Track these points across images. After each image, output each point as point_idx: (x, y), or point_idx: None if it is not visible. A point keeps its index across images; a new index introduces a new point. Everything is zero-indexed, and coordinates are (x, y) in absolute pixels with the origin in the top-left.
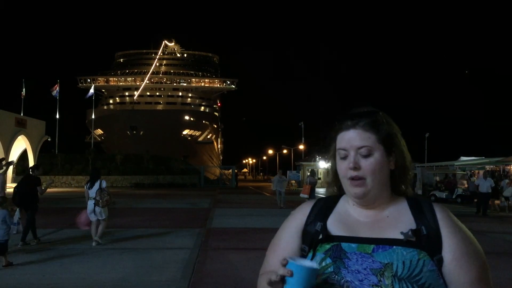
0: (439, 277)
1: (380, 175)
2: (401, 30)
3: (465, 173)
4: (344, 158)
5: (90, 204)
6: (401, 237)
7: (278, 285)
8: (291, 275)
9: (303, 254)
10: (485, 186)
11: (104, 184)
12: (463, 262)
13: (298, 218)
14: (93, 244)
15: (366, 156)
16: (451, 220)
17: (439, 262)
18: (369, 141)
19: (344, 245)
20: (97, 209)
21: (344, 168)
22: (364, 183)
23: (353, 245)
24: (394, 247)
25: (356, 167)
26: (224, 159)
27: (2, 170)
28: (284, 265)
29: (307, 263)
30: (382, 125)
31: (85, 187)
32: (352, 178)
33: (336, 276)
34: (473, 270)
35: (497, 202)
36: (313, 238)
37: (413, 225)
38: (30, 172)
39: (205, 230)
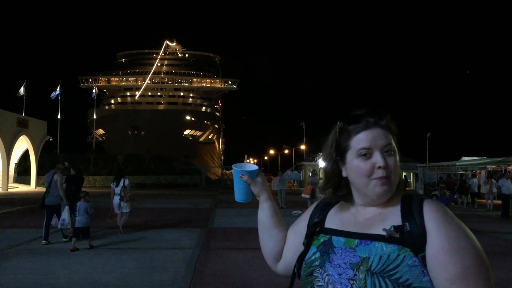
0: (423, 274)
1: (398, 173)
2: (403, 29)
3: (467, 173)
4: (366, 157)
5: (116, 199)
6: (384, 233)
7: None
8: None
9: (303, 247)
10: (508, 187)
11: (126, 182)
12: (443, 259)
13: (306, 214)
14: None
15: (390, 154)
16: (439, 216)
17: (424, 259)
18: (391, 140)
19: (334, 239)
20: (122, 203)
21: (368, 168)
22: (390, 181)
23: (342, 239)
24: (375, 242)
25: (386, 165)
26: (226, 159)
27: (59, 170)
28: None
29: (244, 166)
30: (393, 125)
31: (111, 185)
32: (378, 178)
33: (320, 270)
34: (453, 268)
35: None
36: (311, 231)
37: (398, 222)
38: (72, 173)
39: (207, 230)
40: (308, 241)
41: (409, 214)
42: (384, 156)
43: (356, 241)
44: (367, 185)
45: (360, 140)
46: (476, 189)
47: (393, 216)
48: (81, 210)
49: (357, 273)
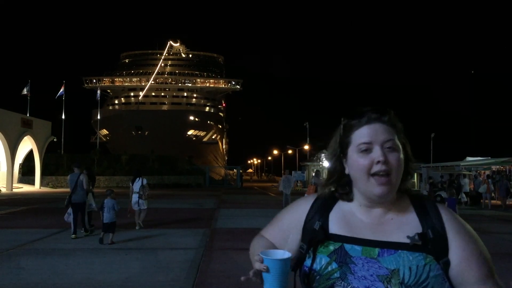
0: (445, 280)
1: (401, 172)
2: (407, 29)
3: (471, 173)
4: (366, 153)
5: (134, 197)
6: (407, 240)
7: (257, 277)
8: (267, 270)
9: (301, 252)
10: None
11: (145, 182)
12: (473, 261)
13: (299, 212)
14: (137, 227)
15: (392, 150)
16: (457, 221)
17: (445, 265)
18: (393, 136)
19: (348, 246)
20: (141, 201)
21: (367, 163)
22: (390, 180)
23: (358, 247)
24: (400, 251)
25: (386, 161)
26: (229, 159)
27: (83, 172)
28: (261, 261)
29: (279, 254)
30: (398, 122)
31: (130, 184)
32: (378, 174)
33: (343, 282)
34: (482, 268)
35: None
36: (312, 236)
37: (418, 228)
38: (84, 173)
39: (210, 230)
40: (309, 247)
41: (428, 220)
42: (384, 152)
43: (377, 250)
44: (366, 183)
45: (361, 134)
46: (468, 189)
47: (410, 222)
48: (108, 207)
49: (388, 286)
